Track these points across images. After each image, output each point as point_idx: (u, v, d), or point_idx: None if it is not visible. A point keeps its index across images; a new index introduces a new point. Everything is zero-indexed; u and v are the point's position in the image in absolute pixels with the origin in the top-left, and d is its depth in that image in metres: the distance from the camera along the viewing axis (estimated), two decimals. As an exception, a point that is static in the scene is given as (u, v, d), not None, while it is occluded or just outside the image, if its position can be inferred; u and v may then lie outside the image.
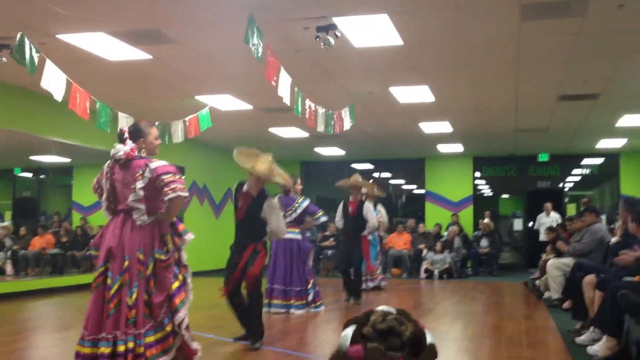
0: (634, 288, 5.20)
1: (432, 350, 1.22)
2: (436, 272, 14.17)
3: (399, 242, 14.64)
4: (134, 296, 4.28)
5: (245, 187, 6.16)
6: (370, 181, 10.00)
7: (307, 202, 8.53)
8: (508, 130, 13.60)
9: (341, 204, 9.76)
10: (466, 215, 17.17)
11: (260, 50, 5.95)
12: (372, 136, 14.35)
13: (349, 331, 1.22)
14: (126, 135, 4.60)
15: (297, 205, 8.46)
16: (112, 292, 4.29)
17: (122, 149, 4.52)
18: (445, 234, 15.60)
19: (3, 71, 8.33)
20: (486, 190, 20.24)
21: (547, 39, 7.54)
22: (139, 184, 4.38)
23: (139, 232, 4.39)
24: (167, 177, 4.34)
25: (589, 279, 6.35)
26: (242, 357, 5.69)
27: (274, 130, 13.26)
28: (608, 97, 10.34)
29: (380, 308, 1.28)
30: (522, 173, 17.73)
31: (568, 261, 8.48)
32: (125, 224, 4.44)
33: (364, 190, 10.04)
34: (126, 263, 4.33)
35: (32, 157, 14.28)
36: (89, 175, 15.91)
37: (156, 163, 4.46)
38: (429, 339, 1.24)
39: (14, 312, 9.21)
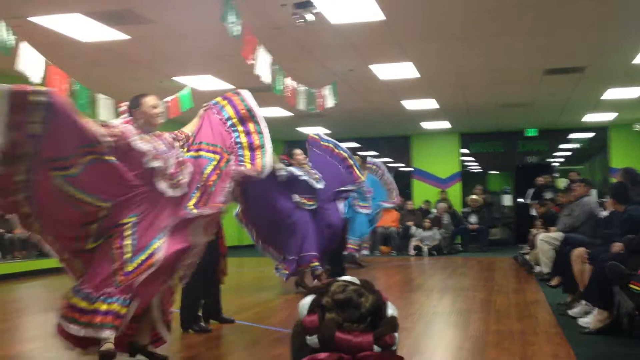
0: (623, 259, 5.17)
1: (392, 323, 1.17)
2: (425, 248, 14.17)
3: (387, 219, 14.59)
4: None
5: None
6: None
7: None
8: (494, 105, 13.55)
9: None
10: (454, 192, 17.16)
11: (237, 28, 5.83)
12: (356, 114, 14.27)
13: (308, 300, 1.18)
14: (124, 108, 4.48)
15: None
16: None
17: (114, 124, 4.38)
18: (434, 210, 15.58)
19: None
20: (474, 167, 20.24)
21: (531, 11, 7.44)
22: None
23: None
24: None
25: (578, 252, 6.31)
26: (227, 335, 5.64)
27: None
28: (595, 70, 10.28)
29: (343, 278, 1.21)
30: (511, 149, 17.71)
31: (557, 235, 8.44)
32: None
33: None
34: None
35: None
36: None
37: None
38: (390, 311, 1.18)
39: (1, 294, 9.20)
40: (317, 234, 7.78)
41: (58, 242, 4.05)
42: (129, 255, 4.00)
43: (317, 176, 7.81)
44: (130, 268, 3.98)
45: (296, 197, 7.63)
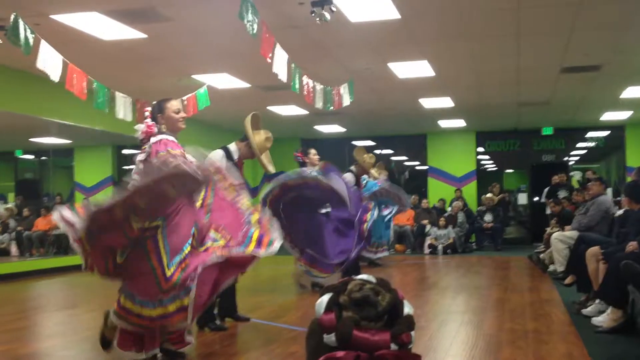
0: (637, 258, 5.16)
1: (408, 321, 1.18)
2: (440, 247, 14.16)
3: (402, 217, 14.60)
4: None
5: (236, 155, 5.96)
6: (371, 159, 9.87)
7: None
8: (510, 104, 13.50)
9: (353, 176, 9.40)
10: (470, 191, 17.12)
11: (255, 26, 5.85)
12: (372, 112, 14.26)
13: (325, 298, 1.19)
14: (147, 114, 4.52)
15: None
16: None
17: (139, 128, 4.41)
18: (449, 209, 15.57)
19: (-1, 53, 8.27)
20: (490, 165, 20.18)
21: (548, 10, 7.43)
22: (139, 157, 4.29)
23: None
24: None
25: (592, 251, 6.30)
26: (242, 334, 5.69)
27: (273, 108, 13.19)
28: (611, 68, 10.22)
29: (360, 277, 1.24)
30: (526, 147, 17.62)
31: (572, 234, 8.42)
32: None
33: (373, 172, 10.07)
34: None
35: (33, 139, 14.27)
36: (89, 156, 15.94)
37: (157, 137, 4.32)
38: (406, 309, 1.20)
39: (19, 292, 9.33)
40: (329, 242, 7.85)
41: (91, 256, 4.09)
42: (165, 259, 4.04)
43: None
44: (169, 273, 4.03)
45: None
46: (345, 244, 7.82)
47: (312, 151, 7.92)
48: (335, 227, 7.89)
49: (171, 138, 4.38)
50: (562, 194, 13.22)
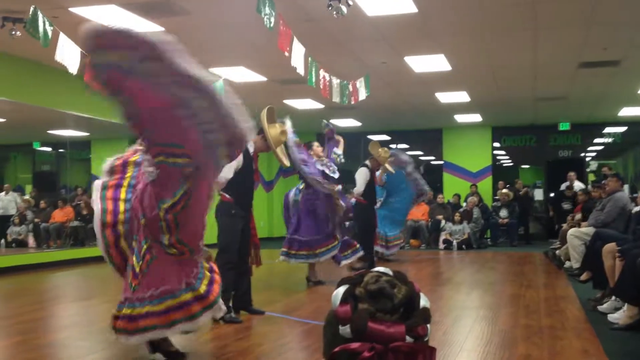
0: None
1: (424, 314, 1.18)
2: (455, 242, 14.13)
3: (417, 212, 14.58)
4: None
5: (252, 148, 5.96)
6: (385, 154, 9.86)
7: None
8: (527, 99, 13.42)
9: (367, 170, 9.39)
10: (485, 186, 17.03)
11: (272, 20, 5.86)
12: (388, 107, 14.23)
13: (341, 290, 1.19)
14: None
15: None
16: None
17: None
18: (464, 204, 15.51)
19: (18, 45, 8.35)
20: (506, 161, 20.08)
21: (566, 4, 7.37)
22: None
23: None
24: None
25: (609, 247, 6.26)
26: (256, 327, 5.71)
27: (289, 102, 13.20)
28: (630, 63, 10.13)
29: (376, 269, 1.24)
30: (543, 143, 17.52)
31: (588, 230, 8.36)
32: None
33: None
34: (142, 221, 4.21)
35: (51, 131, 14.37)
36: (106, 148, 16.03)
37: None
38: (422, 302, 1.20)
39: (36, 283, 9.41)
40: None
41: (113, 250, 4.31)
42: (134, 259, 4.16)
43: (332, 167, 8.12)
44: (138, 268, 4.11)
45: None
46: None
47: (316, 144, 8.20)
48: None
49: None
50: (566, 206, 13.48)
